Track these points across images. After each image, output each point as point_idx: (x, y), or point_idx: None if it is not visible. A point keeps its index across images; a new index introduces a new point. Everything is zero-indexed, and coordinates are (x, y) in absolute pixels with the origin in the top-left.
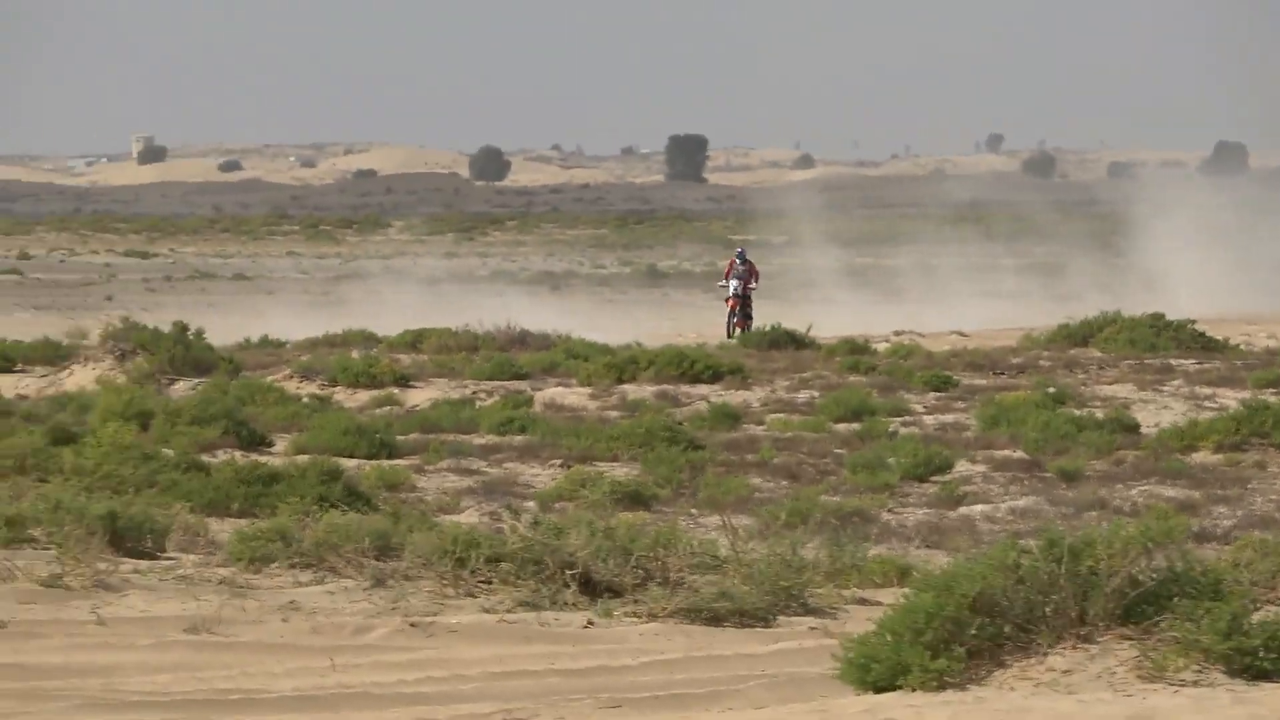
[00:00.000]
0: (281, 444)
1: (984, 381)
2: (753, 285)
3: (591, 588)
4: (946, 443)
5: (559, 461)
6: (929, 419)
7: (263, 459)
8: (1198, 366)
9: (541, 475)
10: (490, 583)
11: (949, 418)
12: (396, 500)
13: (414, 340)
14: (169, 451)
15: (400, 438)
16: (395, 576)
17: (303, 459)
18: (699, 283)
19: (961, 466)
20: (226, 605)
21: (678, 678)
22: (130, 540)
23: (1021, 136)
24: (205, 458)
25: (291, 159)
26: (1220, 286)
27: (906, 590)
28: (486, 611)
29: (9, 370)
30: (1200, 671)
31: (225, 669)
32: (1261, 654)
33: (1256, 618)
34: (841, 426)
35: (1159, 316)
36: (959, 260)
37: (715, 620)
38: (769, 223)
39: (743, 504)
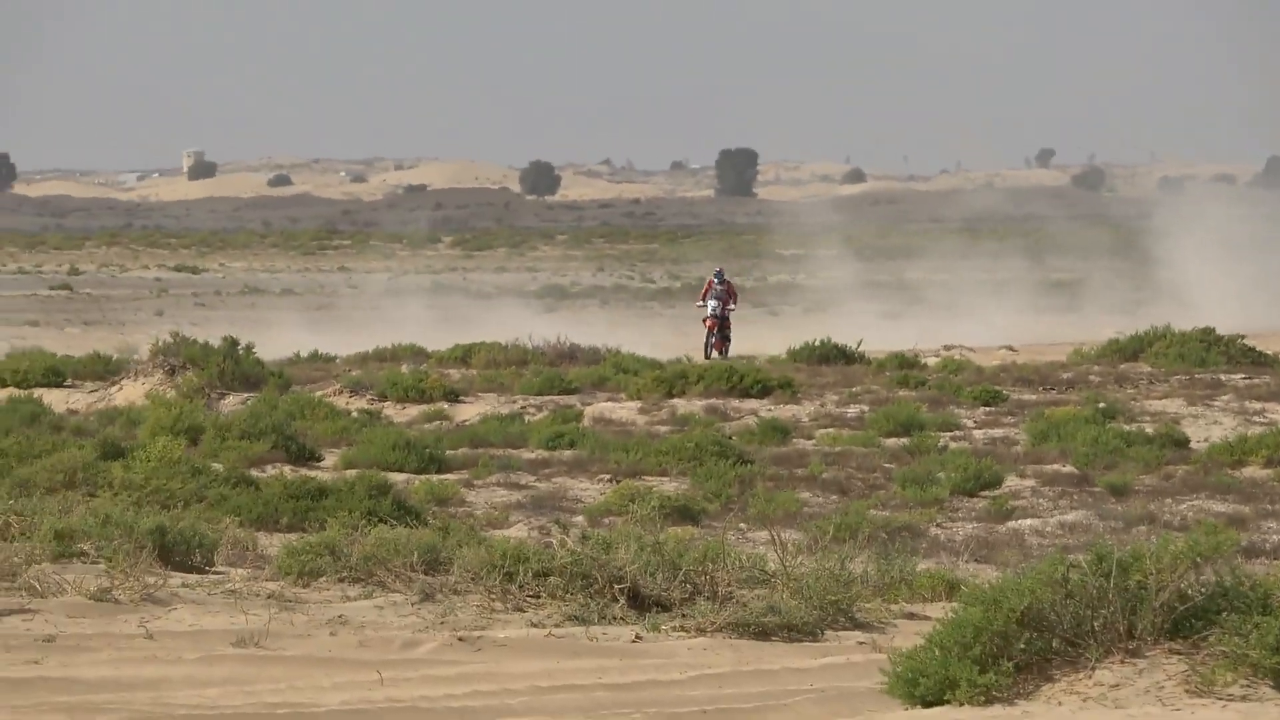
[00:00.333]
0: (330, 459)
1: (1033, 396)
2: (731, 306)
3: (640, 602)
4: (996, 457)
5: (608, 476)
6: (978, 434)
7: (312, 474)
8: (1247, 381)
9: (590, 490)
10: (538, 597)
11: (998, 432)
12: (445, 515)
13: (463, 355)
14: (218, 466)
15: (449, 452)
16: (444, 591)
17: (352, 474)
18: (747, 297)
19: (1011, 481)
20: (275, 619)
21: (726, 692)
22: (179, 554)
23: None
24: (254, 472)
25: (341, 174)
26: (1249, 300)
27: (955, 605)
28: (534, 626)
29: (59, 385)
30: (1249, 686)
31: (273, 683)
32: None
33: None
34: (891, 441)
35: (1209, 331)
36: (989, 275)
37: (763, 634)
38: (816, 237)
39: (791, 518)
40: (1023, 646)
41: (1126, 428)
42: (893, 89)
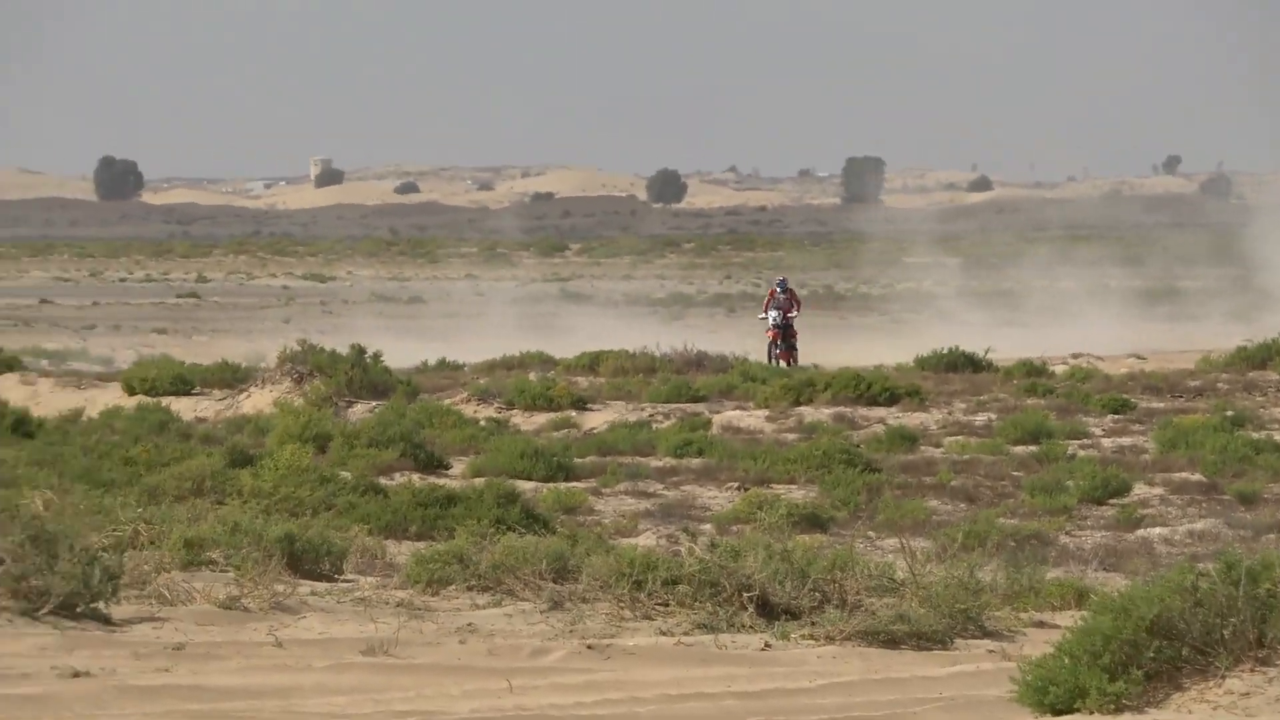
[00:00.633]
0: (459, 467)
1: (1162, 404)
2: (793, 314)
3: (769, 610)
4: (1124, 465)
5: (736, 484)
6: (1107, 442)
7: (440, 482)
8: None
9: (719, 498)
10: (667, 605)
11: (1127, 440)
12: (573, 523)
13: (591, 363)
14: (346, 474)
15: (577, 460)
16: (572, 599)
17: (480, 482)
18: (877, 305)
19: (1139, 489)
20: (404, 627)
21: (855, 700)
22: (308, 562)
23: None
24: (383, 480)
25: (468, 181)
26: None
27: (1084, 613)
28: (663, 634)
29: (187, 393)
30: None
31: (403, 691)
32: None
33: None
34: (1019, 449)
35: None
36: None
37: (892, 643)
38: (941, 245)
39: (920, 526)
40: (1152, 655)
41: (1255, 435)
42: (1021, 96)
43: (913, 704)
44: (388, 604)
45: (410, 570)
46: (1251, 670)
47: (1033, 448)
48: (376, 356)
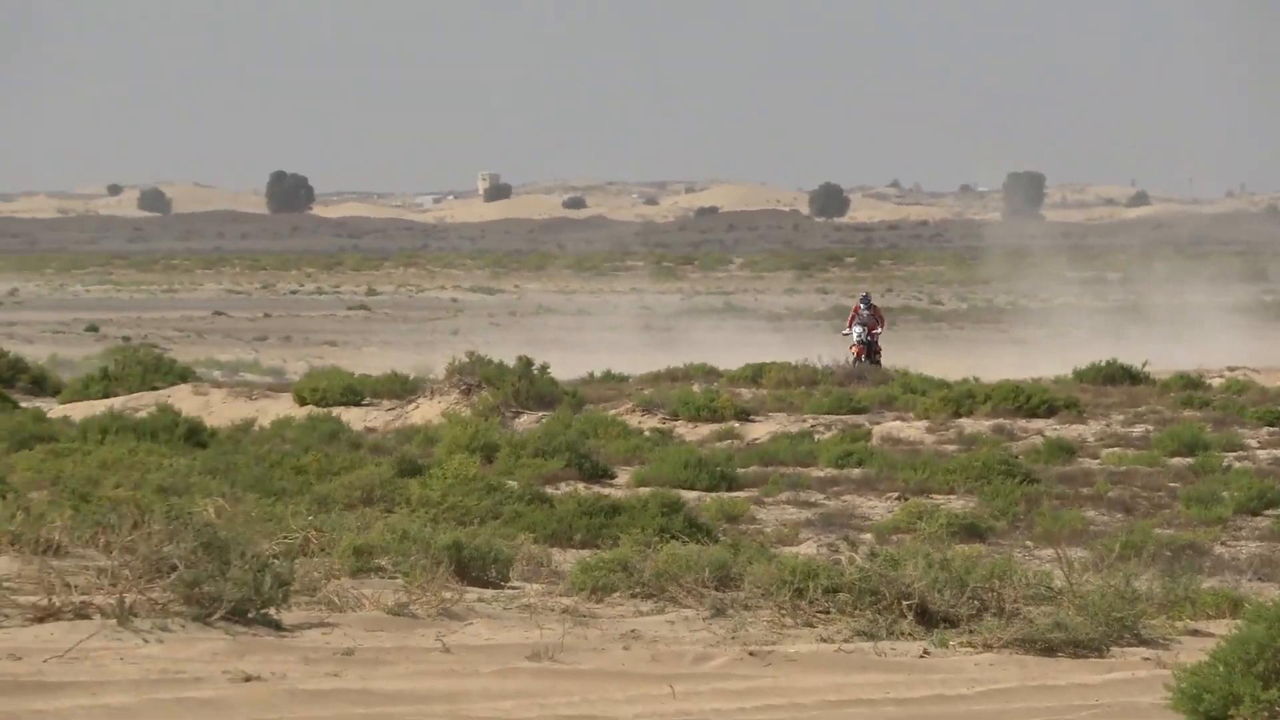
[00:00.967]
0: (623, 476)
1: None
2: (878, 330)
3: (928, 618)
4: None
5: (896, 494)
6: (1262, 454)
7: (605, 491)
8: None
9: (879, 508)
10: (828, 612)
11: None
12: (736, 532)
13: (754, 375)
14: (513, 483)
15: (740, 470)
16: (734, 606)
17: (644, 491)
18: (1035, 318)
19: None
20: (569, 634)
21: (1012, 707)
22: (475, 570)
23: None
24: (548, 490)
25: (634, 196)
26: None
27: (1239, 622)
28: (824, 641)
29: (357, 404)
30: None
31: (567, 696)
32: None
33: None
34: (1175, 460)
35: None
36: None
37: (1049, 650)
38: (1102, 259)
39: (1077, 536)
40: None
41: None
42: (1180, 112)
43: (1069, 710)
44: (553, 610)
45: (575, 577)
46: None
47: (1189, 459)
48: (543, 368)
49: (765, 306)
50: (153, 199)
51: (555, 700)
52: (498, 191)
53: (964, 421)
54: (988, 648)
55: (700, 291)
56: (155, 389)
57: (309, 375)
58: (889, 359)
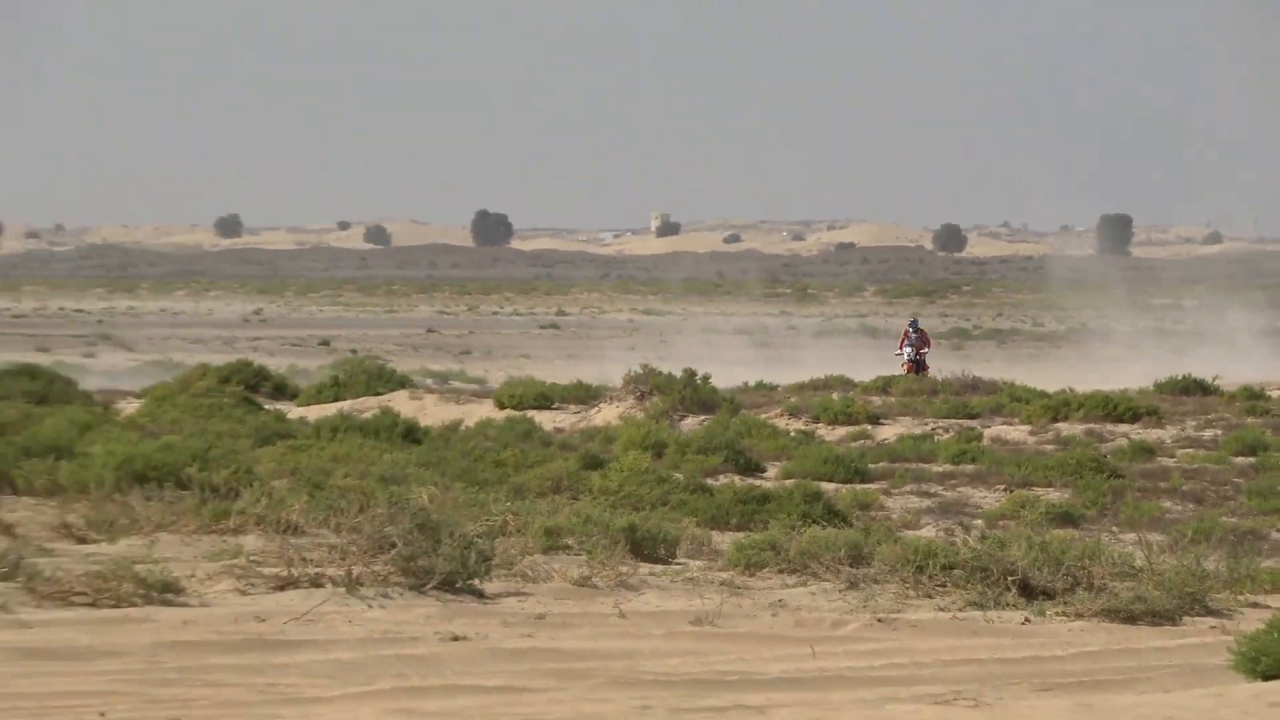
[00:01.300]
0: (772, 470)
1: None
2: (925, 350)
3: (1029, 591)
4: None
5: (1003, 486)
6: None
7: (756, 482)
8: None
9: (988, 498)
10: (944, 586)
11: None
12: (867, 517)
13: (884, 385)
14: (679, 476)
15: (871, 466)
16: (865, 580)
17: (790, 483)
18: (1119, 339)
19: None
20: (726, 603)
21: (1099, 666)
22: (646, 548)
23: None
24: (709, 481)
25: (784, 233)
26: None
27: None
28: (940, 610)
29: (548, 408)
30: None
31: (724, 655)
32: None
33: None
34: (1240, 459)
35: None
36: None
37: (1131, 619)
38: (1177, 290)
39: (1155, 523)
40: None
41: None
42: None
43: (1147, 670)
44: (712, 583)
45: (731, 555)
46: None
47: (1251, 458)
48: (705, 378)
49: (895, 328)
50: (375, 234)
51: (714, 658)
52: (668, 228)
53: (1061, 425)
54: (1079, 617)
55: (838, 315)
56: (377, 394)
57: (507, 384)
58: (998, 373)
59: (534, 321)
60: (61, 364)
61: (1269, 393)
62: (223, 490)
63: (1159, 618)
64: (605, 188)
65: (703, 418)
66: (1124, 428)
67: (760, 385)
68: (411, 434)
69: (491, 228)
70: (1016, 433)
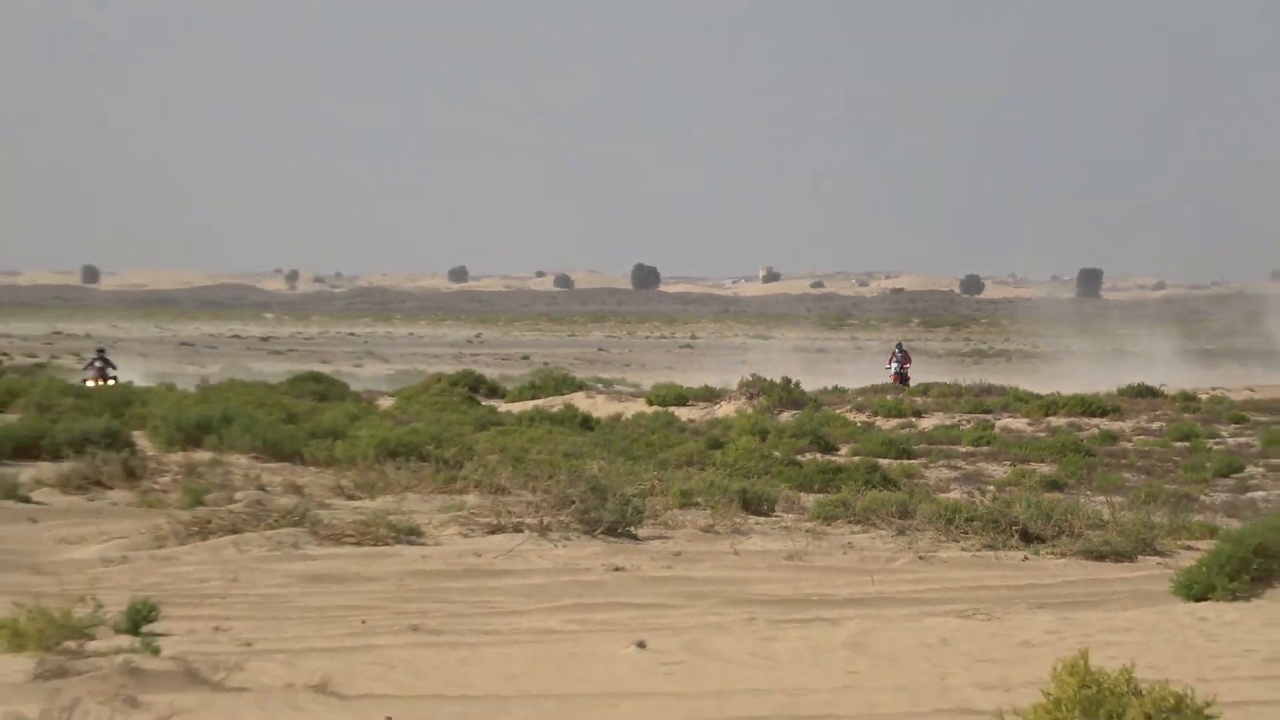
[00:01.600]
0: (844, 449)
1: (1265, 419)
2: (908, 365)
3: (1027, 537)
4: (1241, 455)
5: (1009, 462)
6: (1231, 440)
7: (832, 458)
8: None
9: (998, 471)
10: (966, 533)
11: (1243, 439)
12: (912, 484)
13: (924, 390)
14: (777, 453)
15: (915, 447)
16: (910, 529)
17: (856, 459)
18: (1087, 358)
19: (1250, 469)
20: (810, 544)
21: (1077, 591)
22: (754, 505)
23: None
24: (798, 457)
25: (853, 280)
26: None
27: (1215, 542)
28: (964, 550)
29: (684, 404)
30: None
31: (808, 581)
32: None
33: None
34: (1178, 444)
35: None
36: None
37: (1100, 557)
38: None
39: (1118, 489)
40: (1255, 567)
41: None
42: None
43: (1111, 594)
44: (800, 530)
45: (814, 510)
46: None
47: (1186, 443)
48: (797, 384)
49: (933, 349)
50: (562, 280)
51: (802, 584)
52: (771, 276)
53: (1051, 419)
54: (1064, 555)
55: (890, 339)
56: (562, 394)
57: (655, 387)
58: (1005, 381)
59: (675, 343)
60: (338, 372)
61: (1200, 396)
62: (451, 462)
63: (1120, 556)
64: (726, 246)
65: (794, 412)
66: (1096, 420)
67: (835, 389)
68: (587, 423)
69: (646, 275)
70: (1018, 424)
